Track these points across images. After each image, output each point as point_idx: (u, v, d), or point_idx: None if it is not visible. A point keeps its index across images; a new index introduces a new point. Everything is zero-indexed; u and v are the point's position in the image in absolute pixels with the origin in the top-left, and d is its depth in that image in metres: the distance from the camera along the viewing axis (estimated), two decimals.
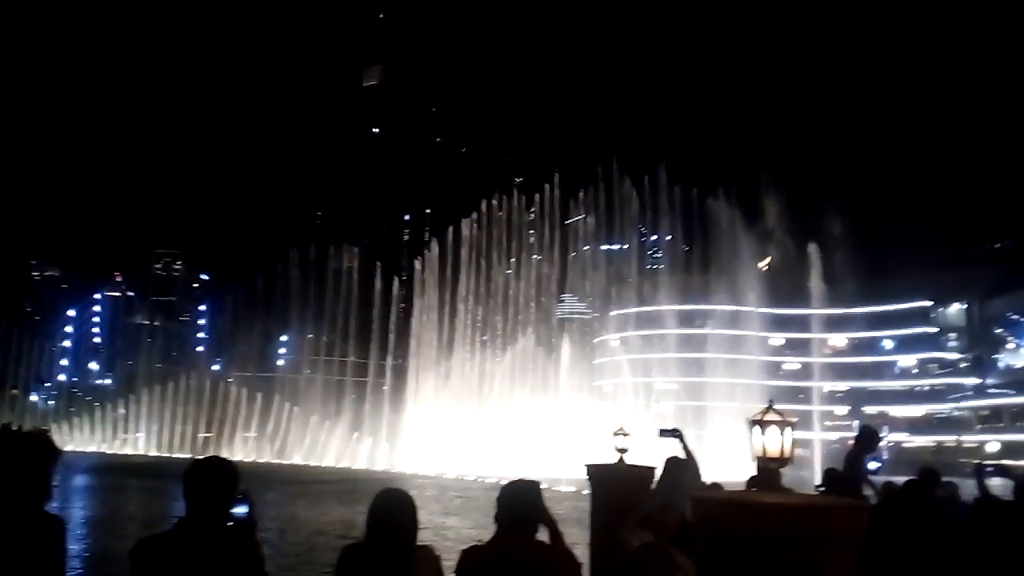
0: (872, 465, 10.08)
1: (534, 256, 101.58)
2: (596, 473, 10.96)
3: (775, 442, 4.19)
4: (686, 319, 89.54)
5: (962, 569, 7.03)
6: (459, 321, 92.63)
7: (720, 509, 4.17)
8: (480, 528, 26.01)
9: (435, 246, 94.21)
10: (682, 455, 8.60)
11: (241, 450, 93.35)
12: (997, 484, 8.70)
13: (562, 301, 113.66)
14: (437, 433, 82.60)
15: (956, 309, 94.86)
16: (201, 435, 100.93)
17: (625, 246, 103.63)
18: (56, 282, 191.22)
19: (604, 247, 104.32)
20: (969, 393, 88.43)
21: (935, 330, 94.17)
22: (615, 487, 10.36)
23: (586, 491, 11.86)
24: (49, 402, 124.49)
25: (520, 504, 4.65)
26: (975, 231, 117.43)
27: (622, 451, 10.92)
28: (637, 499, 8.94)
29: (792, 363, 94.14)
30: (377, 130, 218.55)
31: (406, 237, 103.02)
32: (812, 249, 75.93)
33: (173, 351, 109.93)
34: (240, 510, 4.27)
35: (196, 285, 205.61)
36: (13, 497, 3.99)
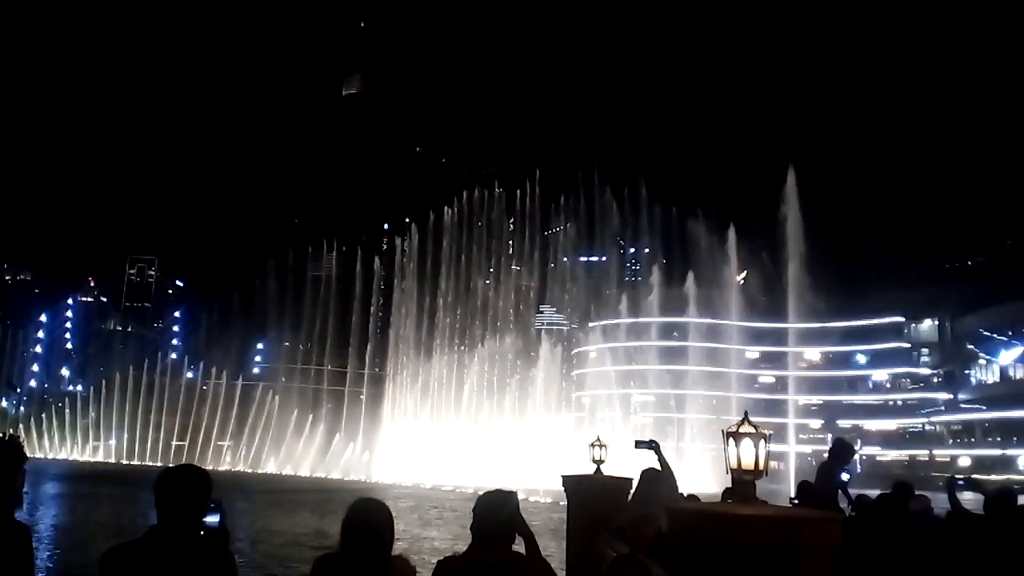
0: (843, 476, 10.17)
1: (513, 267, 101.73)
2: (572, 484, 10.96)
3: (750, 454, 4.21)
4: (664, 331, 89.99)
5: None
6: (437, 331, 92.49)
7: (695, 521, 4.18)
8: (457, 539, 25.91)
9: (415, 246, 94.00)
10: (658, 467, 8.61)
11: (215, 459, 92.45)
12: (968, 498, 8.79)
13: (541, 312, 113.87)
14: (414, 443, 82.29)
15: (929, 325, 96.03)
16: (174, 443, 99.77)
17: (604, 258, 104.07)
18: (28, 286, 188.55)
19: (583, 258, 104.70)
20: (941, 408, 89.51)
21: (908, 345, 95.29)
22: (591, 498, 10.36)
23: (563, 502, 11.86)
24: (20, 408, 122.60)
25: (496, 515, 4.63)
26: (948, 248, 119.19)
27: (599, 462, 10.93)
28: (613, 510, 8.94)
29: (767, 376, 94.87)
30: (354, 138, 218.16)
31: (384, 246, 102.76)
32: (788, 264, 76.64)
33: (146, 358, 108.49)
34: (212, 519, 4.22)
35: (170, 291, 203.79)
36: None
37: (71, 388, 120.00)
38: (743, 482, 4.23)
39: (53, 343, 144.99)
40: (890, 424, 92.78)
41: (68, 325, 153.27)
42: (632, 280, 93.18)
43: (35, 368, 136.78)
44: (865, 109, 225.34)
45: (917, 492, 9.11)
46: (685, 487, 8.54)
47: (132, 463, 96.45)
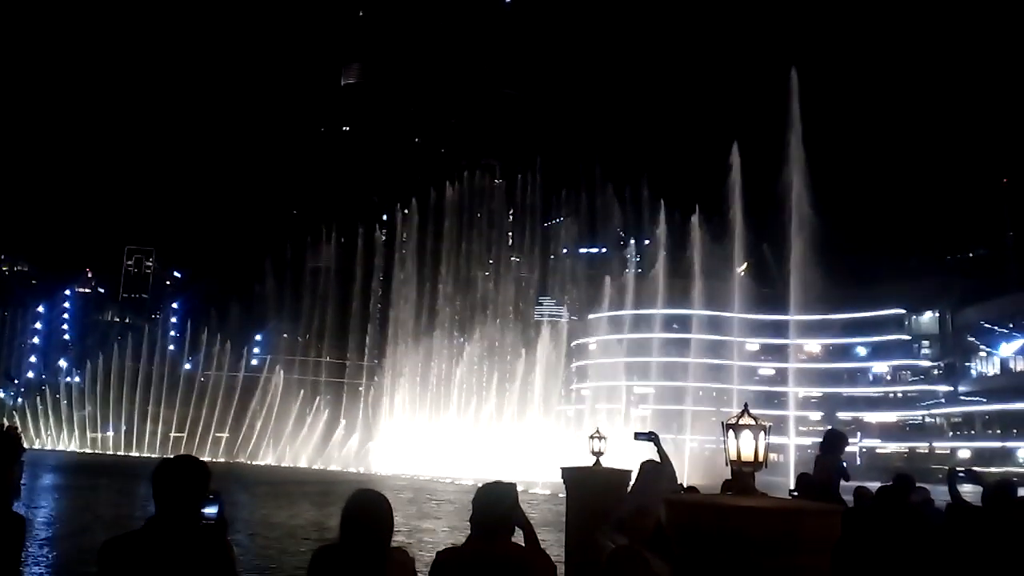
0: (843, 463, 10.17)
1: (513, 258, 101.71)
2: (572, 476, 10.97)
3: (749, 446, 4.21)
4: (664, 323, 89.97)
5: (936, 573, 7.10)
6: (436, 322, 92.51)
7: (695, 512, 4.17)
8: (456, 531, 25.97)
9: (414, 236, 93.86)
10: (657, 458, 8.61)
11: (213, 450, 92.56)
12: (968, 490, 8.81)
13: (540, 304, 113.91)
14: (412, 435, 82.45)
15: (929, 317, 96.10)
16: (172, 435, 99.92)
17: (604, 249, 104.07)
18: (25, 277, 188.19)
19: (583, 250, 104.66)
20: (941, 400, 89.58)
21: (908, 337, 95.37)
22: (590, 490, 10.37)
23: (561, 494, 11.87)
24: (17, 399, 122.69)
25: (496, 507, 4.62)
26: (950, 240, 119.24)
27: (598, 454, 10.94)
28: (613, 502, 8.95)
29: (767, 368, 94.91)
30: (353, 128, 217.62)
31: (383, 237, 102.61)
32: (790, 256, 76.51)
33: (144, 349, 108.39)
34: (211, 511, 4.21)
35: (168, 282, 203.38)
36: None
37: (69, 379, 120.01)
38: (743, 474, 4.23)
39: (51, 334, 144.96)
40: (890, 416, 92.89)
41: (66, 316, 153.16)
42: (632, 272, 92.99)
43: (33, 359, 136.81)
44: (864, 101, 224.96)
45: (917, 484, 9.12)
46: (684, 479, 8.55)
47: (130, 454, 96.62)
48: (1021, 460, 75.01)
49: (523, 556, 4.56)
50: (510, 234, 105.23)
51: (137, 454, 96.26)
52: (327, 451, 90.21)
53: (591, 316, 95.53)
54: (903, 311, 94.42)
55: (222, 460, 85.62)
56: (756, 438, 4.21)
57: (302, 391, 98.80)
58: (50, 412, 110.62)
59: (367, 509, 4.22)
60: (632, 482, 8.67)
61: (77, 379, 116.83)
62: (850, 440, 13.06)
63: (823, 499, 8.76)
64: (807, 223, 72.29)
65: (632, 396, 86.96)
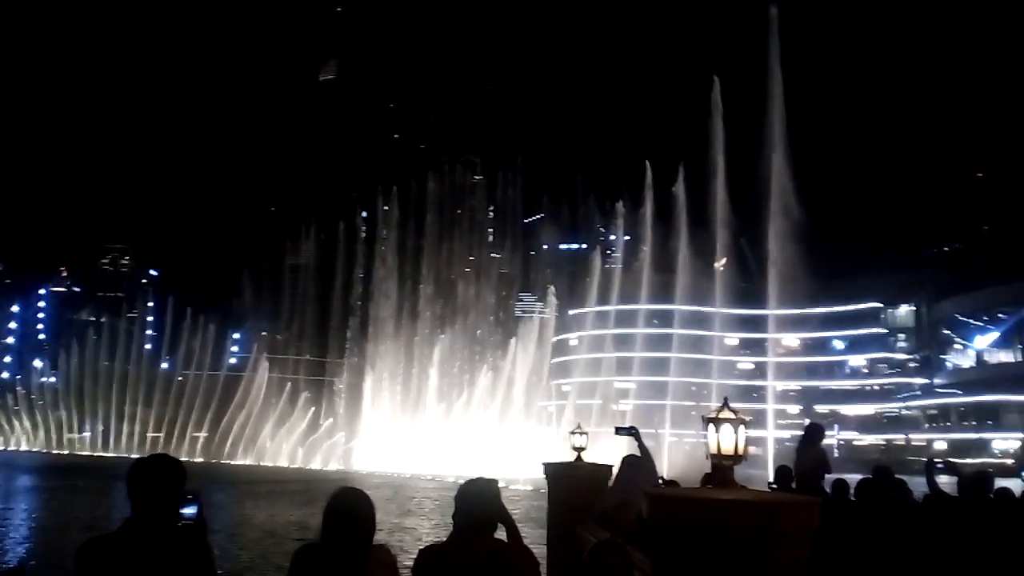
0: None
1: (493, 254, 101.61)
2: (553, 471, 10.99)
3: (729, 440, 4.24)
4: (643, 319, 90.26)
5: (911, 561, 7.19)
6: (416, 319, 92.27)
7: (675, 506, 4.19)
8: (438, 528, 25.96)
9: (394, 232, 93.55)
10: (638, 453, 8.65)
11: (191, 450, 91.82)
12: (945, 481, 8.93)
13: (520, 300, 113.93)
14: (393, 432, 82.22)
15: (905, 310, 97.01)
16: (150, 435, 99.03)
17: (584, 246, 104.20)
18: None
19: (563, 246, 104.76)
20: (917, 393, 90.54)
21: (885, 331, 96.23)
22: (572, 485, 10.39)
23: (543, 490, 11.89)
24: None
25: (478, 503, 4.62)
26: (925, 234, 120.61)
27: (579, 449, 10.96)
28: (594, 497, 8.98)
29: (746, 362, 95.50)
30: (331, 124, 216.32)
31: (363, 234, 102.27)
32: (768, 251, 77.00)
33: (120, 349, 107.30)
34: (189, 511, 4.16)
35: (144, 281, 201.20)
36: None
37: (44, 379, 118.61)
38: (723, 467, 4.25)
39: (25, 334, 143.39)
40: (867, 409, 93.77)
41: (40, 316, 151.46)
42: (613, 268, 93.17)
43: (7, 359, 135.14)
44: (841, 98, 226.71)
45: (895, 476, 9.22)
46: (665, 473, 8.59)
47: (107, 455, 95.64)
48: (996, 451, 76.03)
49: (506, 552, 4.55)
50: (491, 230, 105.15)
51: (114, 454, 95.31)
52: (306, 449, 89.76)
53: (572, 312, 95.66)
54: (880, 305, 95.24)
55: (200, 460, 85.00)
56: (736, 432, 4.24)
57: (282, 390, 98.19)
58: (24, 413, 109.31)
59: (349, 507, 4.20)
60: (613, 477, 8.71)
61: (52, 379, 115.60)
62: (827, 433, 13.22)
63: (804, 491, 8.85)
64: (785, 219, 72.80)
65: (613, 391, 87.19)
